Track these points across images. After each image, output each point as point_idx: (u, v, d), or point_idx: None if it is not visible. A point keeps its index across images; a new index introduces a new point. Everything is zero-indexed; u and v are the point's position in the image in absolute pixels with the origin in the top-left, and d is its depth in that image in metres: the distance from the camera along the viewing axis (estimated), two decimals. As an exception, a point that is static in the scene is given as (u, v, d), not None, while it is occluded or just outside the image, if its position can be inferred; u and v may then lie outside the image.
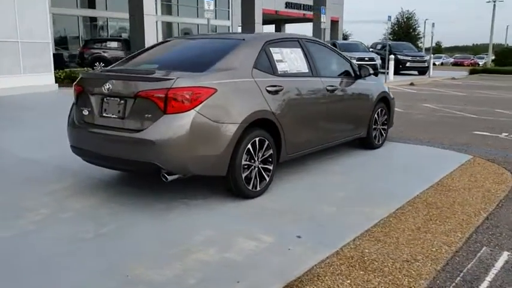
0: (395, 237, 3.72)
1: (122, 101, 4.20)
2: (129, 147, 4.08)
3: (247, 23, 25.49)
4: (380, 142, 6.86)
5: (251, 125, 4.33)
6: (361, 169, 5.75)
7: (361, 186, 5.01)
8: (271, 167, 4.66)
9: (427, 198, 4.67)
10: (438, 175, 5.48)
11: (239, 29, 42.41)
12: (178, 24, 36.97)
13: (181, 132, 3.91)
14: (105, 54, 22.86)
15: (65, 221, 3.96)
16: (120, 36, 30.79)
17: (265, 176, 4.61)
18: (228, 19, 39.51)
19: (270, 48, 4.90)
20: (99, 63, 22.16)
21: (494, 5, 49.99)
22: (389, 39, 46.05)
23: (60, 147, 5.60)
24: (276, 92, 4.68)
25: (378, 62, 23.10)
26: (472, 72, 28.81)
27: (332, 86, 5.61)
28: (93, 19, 31.72)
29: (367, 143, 6.65)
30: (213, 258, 3.28)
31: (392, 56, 22.35)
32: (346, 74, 6.09)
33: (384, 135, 6.97)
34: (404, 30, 48.04)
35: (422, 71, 26.23)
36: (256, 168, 4.48)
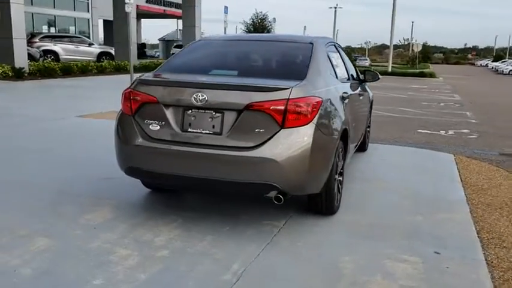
0: None
1: (218, 114, 3.55)
2: (237, 167, 3.47)
3: (120, 17, 24.03)
4: (368, 144, 7.01)
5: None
6: (381, 171, 5.79)
7: (407, 191, 5.03)
8: (342, 179, 4.42)
9: (479, 200, 4.89)
10: (454, 175, 5.79)
11: (100, 22, 39.68)
12: (32, 14, 32.90)
13: (303, 148, 3.46)
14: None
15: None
16: None
17: (340, 189, 4.36)
18: (88, 11, 36.54)
19: (328, 53, 4.63)
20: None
21: (336, 11, 55.05)
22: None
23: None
24: (345, 99, 4.45)
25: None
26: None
27: (360, 90, 5.56)
28: None
29: (361, 145, 6.73)
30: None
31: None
32: (358, 77, 6.09)
33: (368, 137, 7.13)
34: (259, 31, 50.06)
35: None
36: (337, 181, 4.20)
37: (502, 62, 70.09)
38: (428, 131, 9.43)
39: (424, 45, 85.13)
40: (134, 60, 24.09)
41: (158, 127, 3.68)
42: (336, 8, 54.77)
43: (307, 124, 3.49)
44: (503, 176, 5.90)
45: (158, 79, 3.90)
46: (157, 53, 54.24)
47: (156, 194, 4.60)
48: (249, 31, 52.04)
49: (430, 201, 4.74)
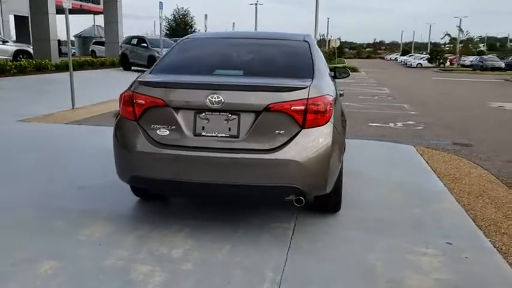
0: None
1: (234, 116, 3.39)
2: (258, 170, 3.34)
3: (39, 12, 22.55)
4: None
5: None
6: (360, 164, 5.88)
7: (391, 183, 5.16)
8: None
9: (459, 189, 5.14)
10: (424, 166, 6.06)
11: (11, 18, 36.86)
12: None
13: (324, 148, 3.41)
14: None
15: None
16: None
17: None
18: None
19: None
20: None
21: (256, 7, 55.53)
22: (167, 34, 46.85)
23: None
24: (340, 96, 4.47)
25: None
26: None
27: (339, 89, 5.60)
28: None
29: None
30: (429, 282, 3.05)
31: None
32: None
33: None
34: (181, 27, 49.28)
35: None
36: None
37: (409, 56, 74.80)
38: (379, 124, 9.78)
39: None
40: (56, 58, 22.72)
41: (167, 132, 3.45)
42: (256, 4, 55.18)
43: (326, 123, 3.44)
44: (468, 165, 6.26)
45: (166, 80, 3.63)
46: (73, 50, 51.49)
47: (144, 203, 4.33)
48: (171, 27, 51.07)
49: (417, 192, 4.90)
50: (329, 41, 50.20)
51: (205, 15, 27.01)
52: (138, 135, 3.48)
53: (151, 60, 22.21)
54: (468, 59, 50.26)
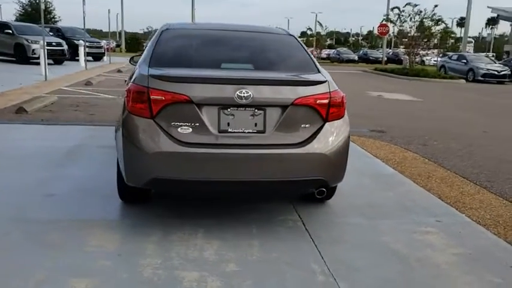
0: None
1: (260, 111, 3.34)
2: (286, 165, 3.36)
3: None
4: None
5: None
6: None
7: (353, 170, 5.45)
8: None
9: (408, 172, 5.68)
10: (363, 152, 6.56)
11: None
12: None
13: (344, 139, 3.55)
14: None
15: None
16: None
17: None
18: None
19: None
20: None
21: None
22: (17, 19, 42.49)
23: None
24: None
25: (65, 47, 21.50)
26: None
27: None
28: None
29: None
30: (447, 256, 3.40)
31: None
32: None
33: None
34: (38, 12, 45.04)
35: (98, 57, 25.96)
36: None
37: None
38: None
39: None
40: None
41: (190, 130, 3.27)
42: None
43: (343, 116, 3.58)
44: (399, 150, 6.91)
45: (189, 75, 3.41)
46: None
47: (129, 206, 4.02)
48: (26, 13, 46.47)
49: (378, 177, 5.32)
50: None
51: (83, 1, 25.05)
52: (157, 134, 3.24)
53: (19, 49, 20.05)
54: (324, 52, 54.27)
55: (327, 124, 3.45)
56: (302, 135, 3.40)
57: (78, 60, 21.92)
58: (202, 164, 3.27)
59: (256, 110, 3.33)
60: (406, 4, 26.49)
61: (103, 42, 26.80)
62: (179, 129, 3.26)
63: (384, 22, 30.37)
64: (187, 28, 4.48)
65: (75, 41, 23.79)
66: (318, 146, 3.39)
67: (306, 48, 4.19)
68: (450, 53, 31.63)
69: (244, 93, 3.25)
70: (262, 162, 3.32)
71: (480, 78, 25.38)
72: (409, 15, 26.68)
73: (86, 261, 3.05)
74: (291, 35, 4.42)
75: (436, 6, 25.81)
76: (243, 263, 3.13)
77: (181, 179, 3.28)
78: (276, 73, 3.62)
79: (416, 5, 26.42)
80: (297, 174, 3.38)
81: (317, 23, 48.14)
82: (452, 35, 33.47)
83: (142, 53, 5.87)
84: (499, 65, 27.56)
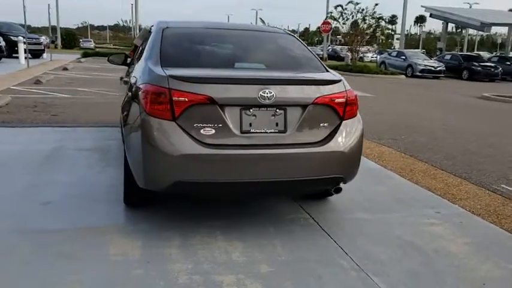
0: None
1: (280, 111, 3.35)
2: (308, 164, 3.39)
3: None
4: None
5: None
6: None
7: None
8: None
9: (391, 166, 5.90)
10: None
11: None
12: None
13: (359, 137, 3.62)
14: None
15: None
16: None
17: None
18: None
19: None
20: None
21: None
22: None
23: None
24: None
25: (3, 43, 20.27)
26: (85, 55, 29.26)
27: None
28: None
29: None
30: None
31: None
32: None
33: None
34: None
35: (38, 54, 24.71)
36: None
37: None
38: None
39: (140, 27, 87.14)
40: None
41: (213, 131, 3.21)
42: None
43: (356, 115, 3.66)
44: (374, 145, 7.14)
45: (213, 75, 3.33)
46: None
47: (133, 211, 3.89)
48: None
49: (366, 171, 5.39)
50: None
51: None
52: (180, 136, 3.16)
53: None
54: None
55: (343, 122, 3.52)
56: (321, 134, 3.44)
57: (16, 57, 20.72)
58: (226, 165, 3.22)
59: (277, 110, 3.33)
60: (349, 2, 27.28)
61: (42, 39, 25.43)
62: (202, 131, 3.19)
63: (328, 20, 31.08)
64: (189, 27, 4.37)
65: (12, 37, 22.48)
66: (336, 145, 3.45)
67: (307, 47, 4.23)
68: (390, 50, 32.97)
69: (267, 93, 3.24)
70: (285, 162, 3.33)
71: (418, 73, 26.67)
72: (351, 13, 27.51)
73: (117, 271, 2.92)
74: (290, 34, 4.44)
75: (376, 4, 26.77)
76: (274, 263, 3.12)
77: (205, 181, 3.21)
78: (293, 72, 3.64)
79: (357, 3, 27.29)
80: (318, 173, 3.42)
81: (260, 19, 48.24)
82: (387, 32, 34.84)
83: (128, 52, 5.71)
84: (434, 61, 29.06)
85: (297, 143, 3.37)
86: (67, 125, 7.41)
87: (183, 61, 3.61)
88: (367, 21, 27.29)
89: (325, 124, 3.44)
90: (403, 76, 26.50)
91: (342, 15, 28.14)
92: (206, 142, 3.19)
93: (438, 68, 27.31)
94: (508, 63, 30.01)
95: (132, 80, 3.81)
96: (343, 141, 3.48)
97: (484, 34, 79.15)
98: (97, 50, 38.96)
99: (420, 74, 26.60)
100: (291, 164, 3.34)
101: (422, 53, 34.25)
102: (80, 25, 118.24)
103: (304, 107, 3.37)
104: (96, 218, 3.72)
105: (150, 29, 4.69)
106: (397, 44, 43.61)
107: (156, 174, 3.23)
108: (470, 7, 54.51)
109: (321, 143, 3.41)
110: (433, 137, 8.06)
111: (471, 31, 56.18)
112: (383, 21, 28.29)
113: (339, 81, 3.54)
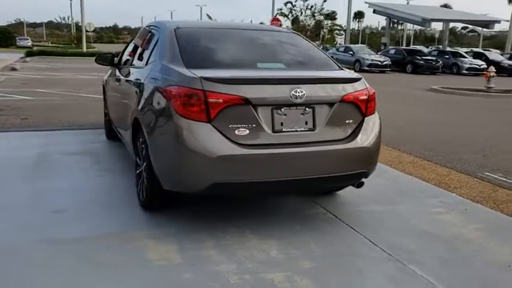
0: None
1: (309, 110, 3.42)
2: (339, 160, 3.48)
3: None
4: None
5: None
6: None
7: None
8: None
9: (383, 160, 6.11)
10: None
11: None
12: None
13: (378, 132, 3.75)
14: None
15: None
16: None
17: None
18: None
19: None
20: None
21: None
22: None
23: None
24: None
25: None
26: (29, 54, 27.89)
27: None
28: None
29: None
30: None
31: None
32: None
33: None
34: None
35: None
36: None
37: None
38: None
39: (77, 24, 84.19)
40: None
41: (247, 131, 3.23)
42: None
43: (375, 111, 3.80)
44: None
45: (247, 76, 3.34)
46: None
47: (152, 214, 3.83)
48: None
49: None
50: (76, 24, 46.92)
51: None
52: (217, 138, 3.16)
53: None
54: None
55: (365, 118, 3.64)
56: (346, 130, 3.54)
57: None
58: (261, 165, 3.25)
59: (306, 109, 3.39)
60: (296, -1, 27.78)
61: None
62: (236, 131, 3.21)
63: (278, 17, 31.46)
64: (201, 27, 4.34)
65: None
66: (362, 140, 3.56)
67: (316, 45, 4.33)
68: (338, 45, 33.83)
69: (299, 92, 3.30)
70: (316, 160, 3.40)
71: (366, 68, 27.56)
72: (301, 9, 28.02)
73: (166, 276, 2.89)
74: (295, 33, 4.52)
75: (325, 1, 27.45)
76: (313, 259, 3.19)
77: (241, 181, 3.23)
78: (314, 71, 3.72)
79: (306, 0, 27.83)
80: (346, 169, 3.52)
81: (206, 15, 47.97)
82: (335, 28, 35.79)
83: (121, 52, 5.56)
84: (380, 55, 30.14)
85: (326, 140, 3.45)
86: (42, 128, 7.12)
87: (205, 62, 3.59)
88: (316, 17, 27.88)
89: (350, 121, 3.55)
90: (352, 71, 27.23)
91: (291, 12, 28.58)
92: (241, 142, 3.20)
93: (384, 63, 28.35)
94: (447, 56, 31.69)
95: (147, 82, 3.74)
96: (367, 137, 3.60)
97: (418, 29, 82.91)
98: (41, 48, 37.20)
99: (368, 68, 27.48)
100: (322, 161, 3.42)
101: (368, 48, 35.40)
102: (13, 22, 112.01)
103: (331, 104, 3.46)
104: (117, 224, 3.64)
105: (151, 29, 4.62)
106: (339, 40, 45.00)
107: (193, 177, 3.22)
108: (408, 3, 56.85)
109: (347, 140, 3.52)
110: (403, 129, 8.42)
111: (408, 26, 58.65)
112: (330, 18, 28.98)
113: (360, 78, 3.66)
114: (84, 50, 35.54)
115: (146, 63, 4.14)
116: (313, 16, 27.58)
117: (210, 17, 47.66)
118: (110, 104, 5.91)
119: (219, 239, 3.42)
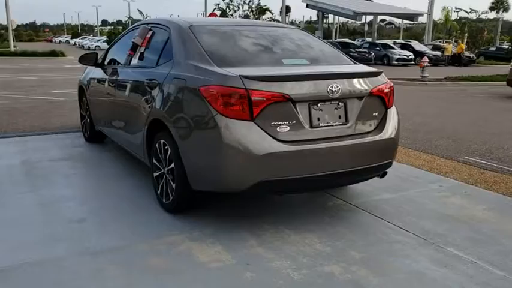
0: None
1: (341, 104, 3.51)
2: (371, 152, 3.60)
3: None
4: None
5: None
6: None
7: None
8: None
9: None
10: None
11: None
12: None
13: (398, 124, 3.89)
14: None
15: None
16: None
17: None
18: None
19: None
20: None
21: None
22: None
23: None
24: None
25: None
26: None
27: None
28: None
29: None
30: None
31: None
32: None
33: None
34: None
35: None
36: None
37: (82, 38, 73.62)
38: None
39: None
40: None
41: (288, 128, 3.26)
42: None
43: (394, 103, 3.96)
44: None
45: (287, 74, 3.34)
46: None
47: (177, 216, 3.76)
48: None
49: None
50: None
51: None
52: (261, 136, 3.16)
53: None
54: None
55: (388, 111, 3.78)
56: (373, 123, 3.67)
57: None
58: (303, 160, 3.29)
59: (339, 103, 3.48)
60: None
61: None
62: (278, 128, 3.23)
63: (215, 11, 31.27)
64: (215, 24, 4.27)
65: None
66: (388, 132, 3.71)
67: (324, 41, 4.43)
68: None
69: (335, 87, 3.37)
70: (352, 152, 3.49)
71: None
72: (238, 4, 28.08)
73: (229, 277, 2.86)
74: (301, 29, 4.59)
75: (261, -5, 27.66)
76: (358, 249, 3.27)
77: (285, 178, 3.26)
78: (337, 66, 3.81)
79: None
80: (375, 160, 3.65)
81: (137, 10, 46.64)
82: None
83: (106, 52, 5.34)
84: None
85: (357, 133, 3.56)
86: (10, 135, 6.67)
87: (233, 60, 3.57)
88: (254, 12, 28.05)
89: (376, 113, 3.68)
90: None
91: (228, 6, 28.56)
92: (283, 139, 3.23)
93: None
94: (378, 48, 33.11)
95: (170, 82, 3.64)
96: (391, 128, 3.75)
97: (341, 23, 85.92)
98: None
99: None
100: (356, 153, 3.52)
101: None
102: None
103: (360, 98, 3.57)
104: (149, 229, 3.53)
105: (151, 27, 4.49)
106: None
107: (237, 176, 3.19)
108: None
109: (375, 132, 3.65)
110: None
111: (330, 20, 60.47)
112: (269, 12, 29.31)
113: (381, 72, 3.80)
114: (12, 49, 33.24)
115: (157, 63, 4.03)
116: (252, 11, 27.75)
117: (141, 12, 46.50)
118: (96, 106, 5.66)
119: (259, 236, 3.42)
